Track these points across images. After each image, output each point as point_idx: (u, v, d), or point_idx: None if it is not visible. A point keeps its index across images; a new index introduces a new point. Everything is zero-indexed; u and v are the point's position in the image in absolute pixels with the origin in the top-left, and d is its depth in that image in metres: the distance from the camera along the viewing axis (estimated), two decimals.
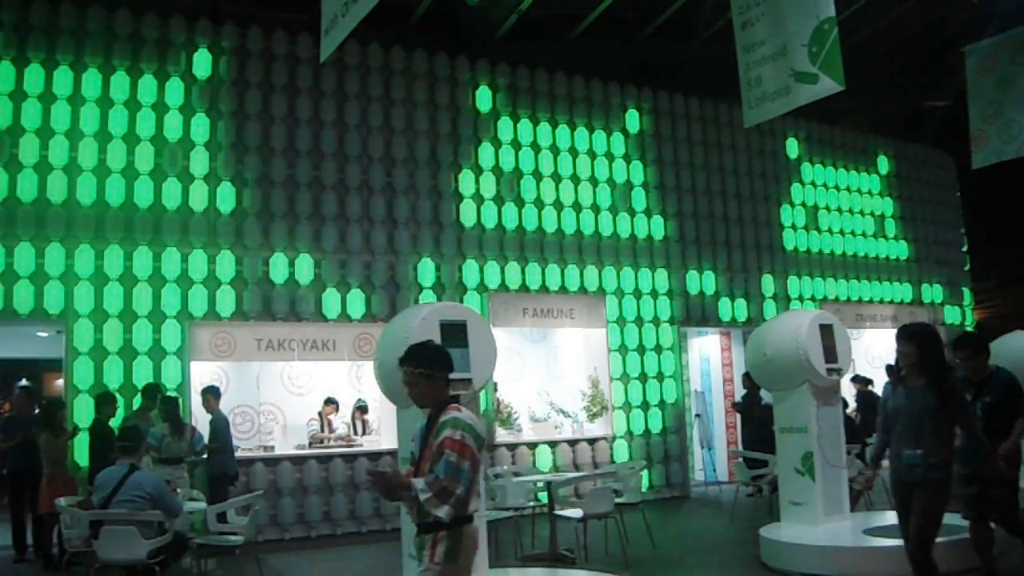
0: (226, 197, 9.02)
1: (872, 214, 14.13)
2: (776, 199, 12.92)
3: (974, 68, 10.94)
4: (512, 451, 10.08)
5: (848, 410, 10.26)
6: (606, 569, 6.32)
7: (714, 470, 12.21)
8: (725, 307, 12.03)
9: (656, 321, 11.36)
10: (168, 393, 8.20)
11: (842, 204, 13.74)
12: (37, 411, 8.51)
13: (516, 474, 8.54)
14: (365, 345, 9.34)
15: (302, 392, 9.80)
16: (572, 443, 10.44)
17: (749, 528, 7.81)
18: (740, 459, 9.69)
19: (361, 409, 9.71)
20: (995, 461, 5.04)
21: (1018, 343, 9.22)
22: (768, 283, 12.55)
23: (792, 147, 13.27)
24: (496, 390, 10.17)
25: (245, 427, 9.42)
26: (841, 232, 13.62)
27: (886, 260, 14.17)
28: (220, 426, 8.15)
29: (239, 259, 9.00)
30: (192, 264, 8.76)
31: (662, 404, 11.24)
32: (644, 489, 9.76)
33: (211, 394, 8.25)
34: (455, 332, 5.39)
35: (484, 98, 10.62)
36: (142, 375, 8.39)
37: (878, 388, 11.99)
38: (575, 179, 11.05)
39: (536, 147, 10.85)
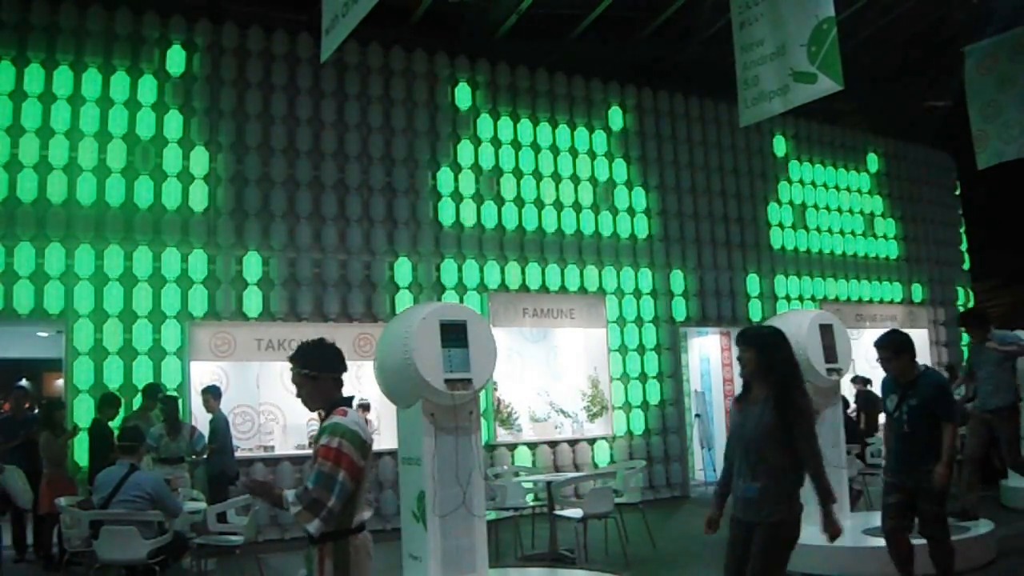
0: (226, 197, 9.03)
1: (872, 214, 14.13)
2: (776, 199, 12.91)
3: (974, 68, 10.94)
4: (512, 451, 10.08)
5: (848, 410, 10.26)
6: (606, 569, 6.32)
7: (714, 470, 12.20)
8: (725, 306, 12.03)
9: (656, 321, 11.36)
10: (168, 393, 8.20)
11: (841, 203, 13.73)
12: (36, 411, 8.52)
13: (516, 474, 8.55)
14: (365, 345, 9.34)
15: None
16: (572, 443, 10.44)
17: None
18: None
19: (364, 407, 9.71)
20: (941, 476, 4.82)
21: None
22: (768, 282, 12.55)
23: (787, 146, 13.26)
24: (496, 390, 10.17)
25: (245, 427, 9.41)
26: (841, 232, 13.61)
27: (886, 260, 14.17)
28: (220, 426, 8.16)
29: (239, 259, 9.00)
30: (192, 264, 8.77)
31: (662, 404, 11.24)
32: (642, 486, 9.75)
33: (211, 394, 8.25)
34: (455, 332, 5.40)
35: (483, 98, 10.62)
36: (142, 375, 8.39)
37: (877, 388, 12.01)
38: (575, 179, 11.05)
39: (536, 147, 10.85)
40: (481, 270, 10.22)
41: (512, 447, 10.11)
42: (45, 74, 8.46)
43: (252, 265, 9.04)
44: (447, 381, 5.27)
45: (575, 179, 11.05)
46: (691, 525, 9.24)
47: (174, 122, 8.91)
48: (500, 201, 10.49)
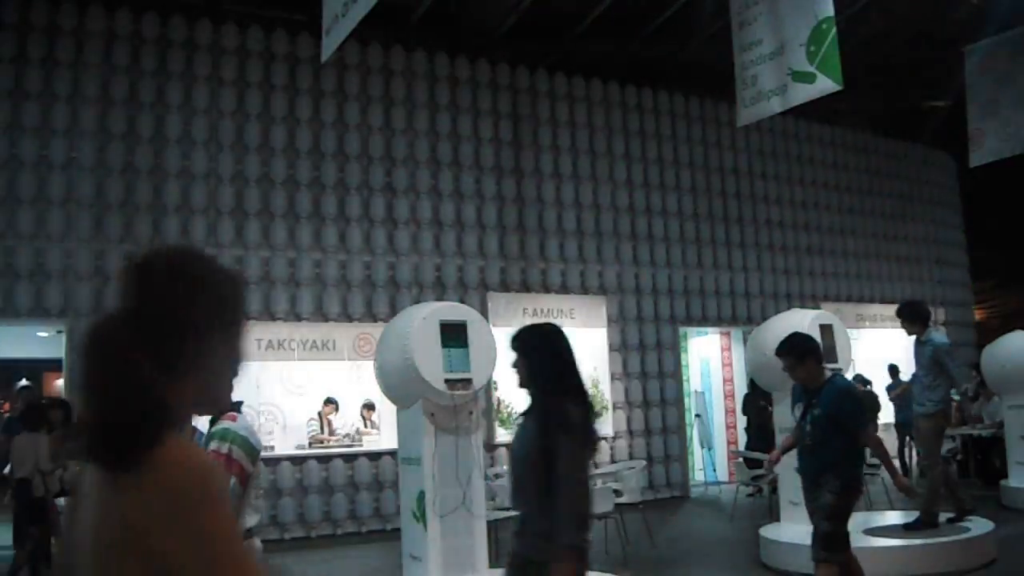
0: (226, 197, 9.03)
1: (872, 213, 14.13)
2: (776, 199, 12.91)
3: (973, 68, 10.96)
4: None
5: None
6: (606, 569, 6.32)
7: (714, 470, 12.21)
8: (725, 306, 12.03)
9: (656, 321, 11.36)
10: None
11: (842, 203, 13.73)
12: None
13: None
14: (365, 345, 9.34)
15: (302, 392, 9.80)
16: None
17: (749, 528, 7.82)
18: (740, 459, 9.69)
19: (368, 407, 9.72)
20: (902, 484, 4.62)
21: (1018, 343, 9.24)
22: (768, 282, 12.55)
23: (792, 146, 13.27)
24: (496, 390, 10.17)
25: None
26: (841, 231, 13.62)
27: (886, 259, 14.17)
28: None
29: (239, 258, 9.00)
30: None
31: (662, 404, 11.24)
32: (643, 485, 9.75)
33: None
34: (455, 332, 5.40)
35: (484, 98, 10.63)
36: None
37: (878, 388, 12.02)
38: (575, 178, 11.05)
39: (536, 147, 10.86)
40: (481, 270, 10.22)
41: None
42: (45, 74, 8.47)
43: (252, 265, 9.05)
44: (447, 381, 5.28)
45: (575, 179, 11.05)
46: (691, 525, 9.25)
47: (174, 122, 8.91)
48: (500, 201, 10.49)
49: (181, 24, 9.07)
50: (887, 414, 11.99)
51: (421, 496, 5.35)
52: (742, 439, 11.90)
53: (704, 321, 11.93)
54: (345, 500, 9.02)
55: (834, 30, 6.55)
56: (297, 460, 8.94)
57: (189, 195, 8.87)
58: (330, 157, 9.61)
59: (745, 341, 9.68)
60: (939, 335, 6.78)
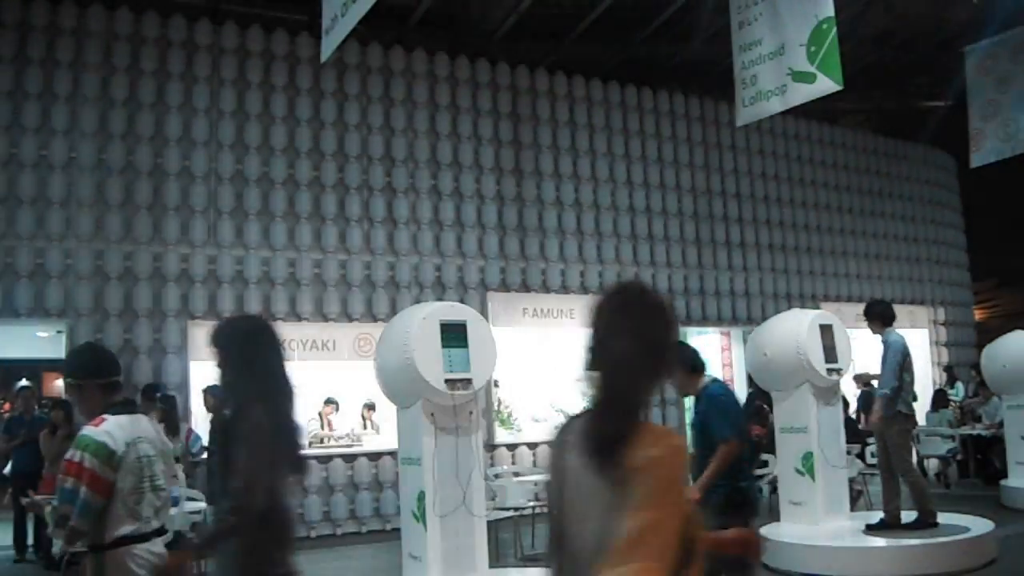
0: (226, 197, 9.03)
1: (872, 213, 14.12)
2: (776, 198, 12.91)
3: (973, 68, 10.96)
4: (512, 451, 10.08)
5: (850, 410, 10.26)
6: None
7: None
8: (725, 306, 12.03)
9: None
10: (167, 393, 8.19)
11: (842, 203, 13.73)
12: (37, 411, 8.53)
13: (516, 474, 8.55)
14: (365, 345, 9.34)
15: (302, 392, 9.79)
16: None
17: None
18: None
19: (370, 407, 9.71)
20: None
21: (1018, 343, 9.24)
22: (768, 282, 12.55)
23: (792, 146, 13.27)
24: (497, 386, 10.17)
25: None
26: (841, 231, 13.62)
27: (886, 259, 14.17)
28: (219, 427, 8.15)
29: (239, 258, 9.00)
30: (192, 263, 8.77)
31: (662, 404, 11.24)
32: None
33: (211, 394, 8.23)
34: (455, 332, 5.40)
35: (484, 98, 10.62)
36: (142, 374, 8.39)
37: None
38: (575, 178, 11.05)
39: (536, 147, 10.85)
40: (481, 270, 10.22)
41: (512, 447, 10.11)
42: (45, 74, 8.47)
43: (252, 265, 9.05)
44: (447, 381, 5.27)
45: (575, 179, 11.05)
46: None
47: (174, 122, 8.91)
48: (500, 201, 10.49)
49: (181, 24, 9.07)
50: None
51: (421, 496, 5.35)
52: None
53: (704, 321, 11.93)
54: (345, 500, 9.02)
55: (834, 30, 6.55)
56: None
57: (189, 195, 8.87)
58: (330, 157, 9.61)
59: (745, 341, 9.67)
60: (895, 336, 6.68)
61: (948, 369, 13.12)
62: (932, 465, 11.14)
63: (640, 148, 11.64)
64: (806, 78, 6.81)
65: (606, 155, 11.35)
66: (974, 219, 15.96)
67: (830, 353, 6.96)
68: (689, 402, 12.60)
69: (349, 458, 9.12)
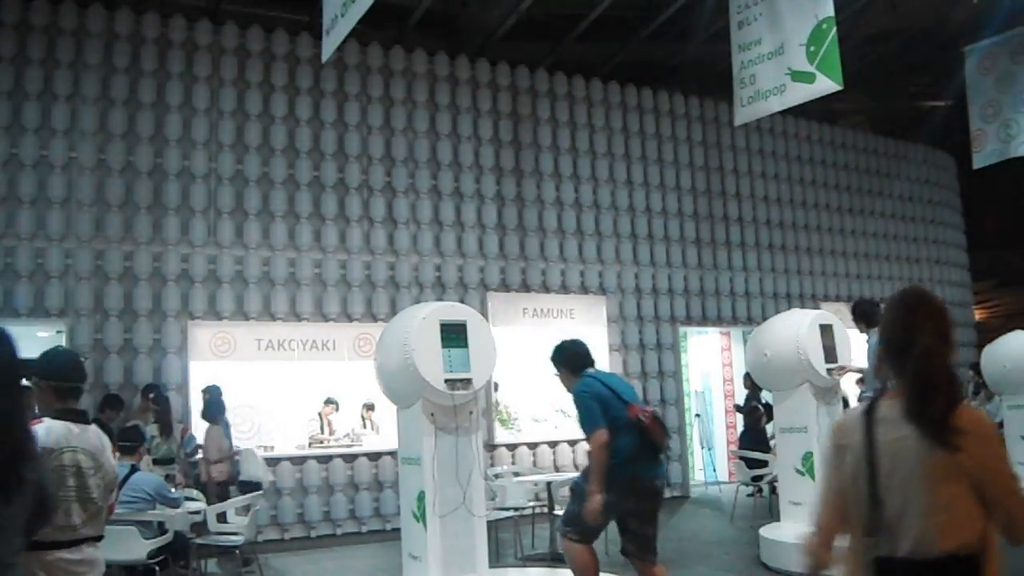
0: (226, 197, 9.03)
1: (872, 213, 14.13)
2: (776, 199, 12.92)
3: (974, 68, 10.96)
4: (512, 451, 10.09)
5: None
6: (606, 569, 6.31)
7: (714, 470, 12.21)
8: (725, 306, 12.04)
9: (656, 320, 11.36)
10: (161, 393, 8.17)
11: (842, 203, 13.74)
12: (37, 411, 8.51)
13: (516, 474, 8.55)
14: (365, 345, 9.34)
15: (302, 392, 9.80)
16: (572, 443, 10.44)
17: (749, 528, 7.82)
18: (740, 459, 9.69)
19: (369, 407, 9.71)
20: (591, 497, 4.44)
21: (1018, 343, 9.23)
22: (768, 282, 12.56)
23: (792, 146, 13.27)
24: (496, 390, 10.17)
25: (245, 427, 9.41)
26: (841, 231, 13.62)
27: (886, 260, 14.17)
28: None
29: (239, 258, 9.00)
30: (192, 263, 8.77)
31: (662, 404, 11.25)
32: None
33: (210, 394, 8.24)
34: (455, 332, 5.40)
35: (484, 98, 10.63)
36: (142, 374, 8.40)
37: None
38: (575, 178, 11.05)
39: (536, 147, 10.86)
40: (481, 270, 10.22)
41: (512, 447, 10.12)
42: (45, 74, 8.47)
43: (252, 265, 9.05)
44: (447, 381, 5.27)
45: (575, 179, 11.05)
46: (691, 525, 9.25)
47: (174, 121, 8.91)
48: (499, 201, 10.49)
49: (181, 24, 9.07)
50: None
51: (421, 496, 5.35)
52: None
53: (704, 321, 11.93)
54: (345, 500, 9.02)
55: (834, 30, 6.55)
56: (297, 460, 8.93)
57: (189, 195, 8.87)
58: (330, 157, 9.61)
59: (745, 341, 9.68)
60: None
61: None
62: None
63: (640, 148, 11.64)
64: (805, 78, 6.81)
65: (606, 155, 11.35)
66: (974, 219, 15.96)
67: (830, 353, 6.96)
68: (689, 402, 12.65)
69: (349, 458, 9.12)
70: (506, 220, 10.49)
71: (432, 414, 5.36)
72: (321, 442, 9.28)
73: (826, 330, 7.04)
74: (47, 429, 3.07)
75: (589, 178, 11.15)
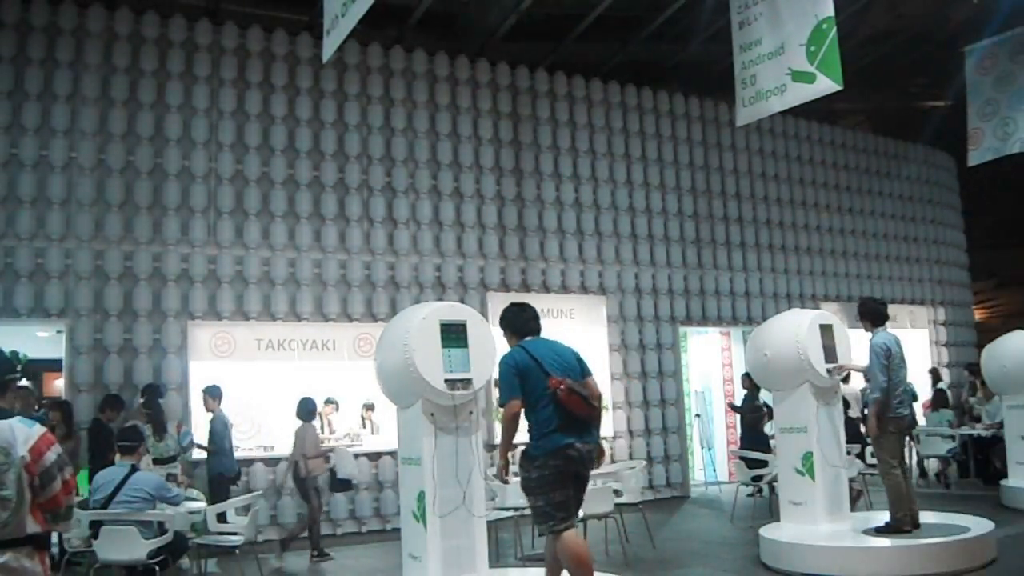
0: (226, 197, 9.03)
1: (872, 213, 14.13)
2: (776, 199, 12.92)
3: (973, 68, 10.97)
4: (512, 451, 10.06)
5: (850, 410, 10.24)
6: (606, 569, 6.31)
7: (714, 470, 12.21)
8: (725, 306, 12.03)
9: (656, 320, 11.36)
10: (161, 394, 8.15)
11: (842, 203, 13.74)
12: (39, 410, 8.52)
13: (516, 474, 8.53)
14: (365, 345, 9.34)
15: (302, 392, 9.79)
16: None
17: (749, 528, 7.82)
18: (740, 459, 9.68)
19: (369, 407, 9.71)
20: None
21: (1018, 343, 9.24)
22: (768, 282, 12.56)
23: (792, 146, 13.27)
24: (497, 390, 10.15)
25: (245, 427, 9.40)
26: (841, 231, 13.62)
27: (886, 260, 14.17)
28: (217, 427, 8.14)
29: (239, 258, 9.00)
30: (192, 263, 8.77)
31: (662, 403, 11.25)
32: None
33: (209, 394, 8.24)
34: (455, 332, 5.40)
35: (484, 98, 10.63)
36: (142, 375, 8.39)
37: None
38: (575, 178, 11.05)
39: (536, 147, 10.85)
40: (481, 270, 10.22)
41: (512, 447, 10.09)
42: (45, 74, 8.47)
43: (252, 265, 9.05)
44: (447, 381, 5.27)
45: (575, 179, 11.05)
46: (691, 525, 9.25)
47: (174, 122, 8.91)
48: (499, 201, 10.49)
49: (181, 24, 9.07)
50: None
51: (421, 496, 5.35)
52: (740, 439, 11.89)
53: (704, 321, 11.93)
54: (345, 500, 9.02)
55: (834, 30, 6.55)
56: None
57: (189, 195, 8.87)
58: (330, 157, 9.61)
59: (745, 341, 9.67)
60: (881, 336, 6.63)
61: (933, 371, 13.10)
62: (932, 465, 11.14)
63: (640, 148, 11.64)
64: (806, 78, 6.81)
65: (606, 155, 11.35)
66: (974, 219, 15.97)
67: (830, 353, 6.97)
68: (689, 402, 12.65)
69: None
70: (506, 220, 10.48)
71: (432, 414, 5.36)
72: (322, 442, 9.27)
73: (826, 330, 7.04)
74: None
75: (589, 178, 11.15)
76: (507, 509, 7.38)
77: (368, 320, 9.48)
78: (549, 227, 10.75)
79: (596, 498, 6.99)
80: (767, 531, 6.88)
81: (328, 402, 9.50)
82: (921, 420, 11.48)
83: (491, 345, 5.54)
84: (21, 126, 8.31)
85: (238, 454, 8.49)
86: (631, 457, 10.64)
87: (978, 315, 16.41)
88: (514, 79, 10.87)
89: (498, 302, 10.09)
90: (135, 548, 5.39)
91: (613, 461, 10.45)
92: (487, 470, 6.42)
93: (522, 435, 4.97)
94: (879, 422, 6.47)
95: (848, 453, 7.69)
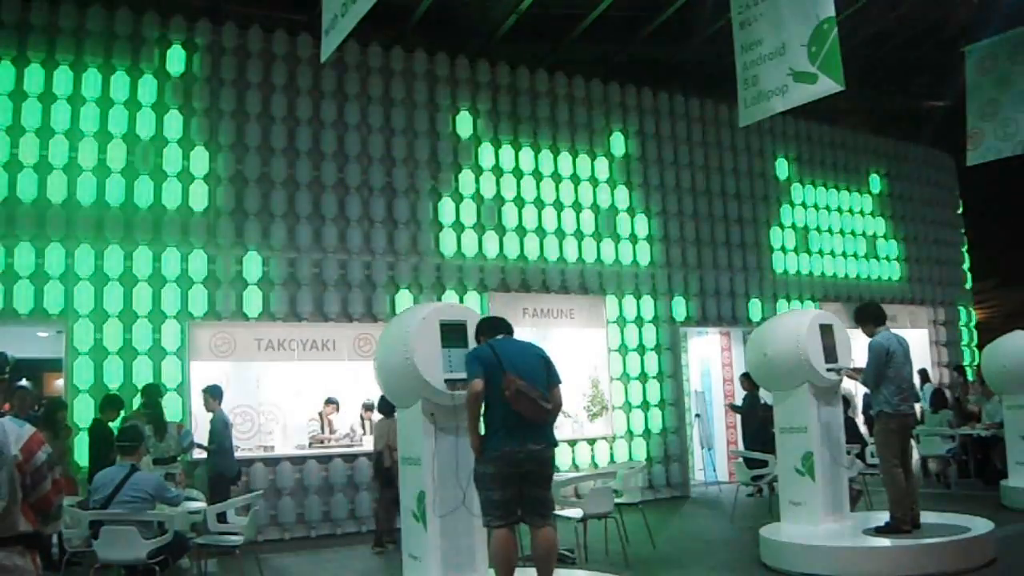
0: (226, 197, 9.03)
1: (872, 213, 14.13)
2: (776, 198, 12.91)
3: (973, 68, 10.97)
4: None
5: (850, 410, 10.24)
6: (606, 569, 6.31)
7: (714, 470, 12.21)
8: (725, 306, 12.04)
9: (656, 321, 11.36)
10: (161, 394, 8.15)
11: (842, 203, 13.74)
12: (38, 410, 8.52)
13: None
14: (365, 345, 9.34)
15: (302, 392, 9.81)
16: (572, 443, 10.44)
17: (749, 528, 7.81)
18: (740, 459, 9.68)
19: (368, 408, 9.71)
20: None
21: (1018, 343, 9.23)
22: (768, 283, 12.55)
23: (792, 146, 13.26)
24: None
25: (245, 427, 9.41)
26: (841, 232, 13.62)
27: (886, 260, 14.17)
28: (217, 427, 8.14)
29: (239, 259, 9.00)
30: (192, 264, 8.77)
31: (662, 404, 11.25)
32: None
33: (210, 394, 8.24)
34: (455, 332, 5.40)
35: (484, 98, 10.62)
36: (142, 375, 8.39)
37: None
38: (575, 179, 11.05)
39: (536, 146, 10.85)
40: (481, 270, 10.22)
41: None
42: (45, 74, 8.46)
43: (252, 265, 9.04)
44: (447, 381, 5.27)
45: (575, 179, 11.04)
46: (691, 525, 9.25)
47: (174, 122, 8.90)
48: (500, 201, 10.49)
49: (181, 24, 9.06)
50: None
51: (421, 496, 5.34)
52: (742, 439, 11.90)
53: (704, 321, 11.93)
54: (345, 500, 9.02)
55: (835, 30, 6.54)
56: (297, 460, 8.93)
57: (189, 195, 8.86)
58: (330, 157, 9.60)
59: (745, 341, 9.67)
60: (881, 336, 6.63)
61: (922, 371, 13.09)
62: (932, 465, 11.14)
63: (640, 148, 11.64)
64: (807, 78, 6.80)
65: (606, 155, 11.35)
66: (974, 219, 15.97)
67: (830, 353, 6.96)
68: (690, 402, 12.64)
69: (349, 458, 9.11)
70: (506, 220, 10.48)
71: (432, 414, 5.36)
72: (322, 442, 9.28)
73: (826, 330, 7.04)
74: None
75: (589, 178, 11.14)
76: None
77: (368, 320, 9.48)
78: (549, 227, 10.75)
79: (596, 498, 6.98)
80: (767, 531, 6.88)
81: (328, 402, 9.50)
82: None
83: None
84: (21, 126, 8.30)
85: (238, 454, 8.49)
86: (631, 457, 10.64)
87: (978, 315, 16.40)
88: (514, 79, 10.87)
89: (498, 302, 10.12)
90: (135, 548, 5.38)
91: (613, 461, 10.46)
92: None
93: None
94: (880, 419, 6.48)
95: (848, 453, 7.68)
